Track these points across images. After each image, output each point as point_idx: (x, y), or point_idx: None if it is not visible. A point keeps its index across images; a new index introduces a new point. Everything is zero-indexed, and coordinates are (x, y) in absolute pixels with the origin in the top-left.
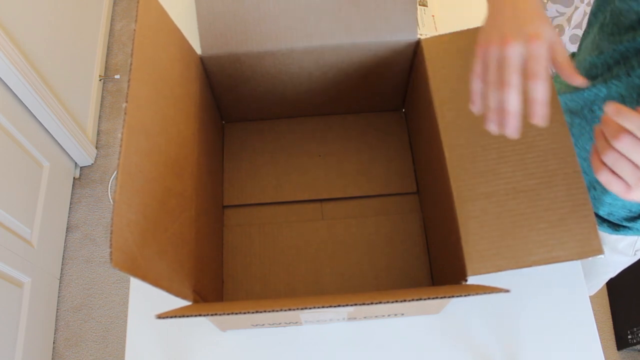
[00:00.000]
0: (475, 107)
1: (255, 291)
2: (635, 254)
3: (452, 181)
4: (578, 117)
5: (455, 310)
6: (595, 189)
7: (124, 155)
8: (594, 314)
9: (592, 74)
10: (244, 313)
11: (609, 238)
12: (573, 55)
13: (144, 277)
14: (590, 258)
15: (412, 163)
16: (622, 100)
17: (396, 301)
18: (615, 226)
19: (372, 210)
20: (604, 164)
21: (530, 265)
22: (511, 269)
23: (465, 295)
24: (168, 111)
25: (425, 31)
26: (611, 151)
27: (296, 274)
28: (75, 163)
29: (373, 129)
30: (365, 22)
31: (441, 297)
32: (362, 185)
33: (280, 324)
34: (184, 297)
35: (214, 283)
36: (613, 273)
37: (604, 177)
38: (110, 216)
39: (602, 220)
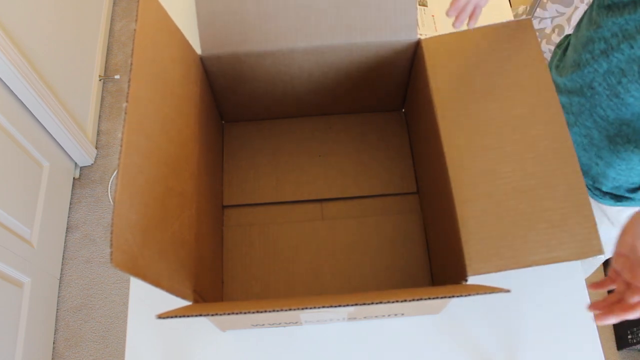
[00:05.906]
0: None
1: (255, 291)
2: None
3: (452, 181)
4: (577, 95)
5: (455, 310)
6: (598, 164)
7: (124, 155)
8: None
9: (589, 49)
10: (244, 313)
11: (610, 210)
12: (568, 36)
13: (144, 277)
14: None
15: (412, 163)
16: (622, 74)
17: (396, 301)
18: (618, 197)
19: (372, 210)
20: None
21: (530, 265)
22: (511, 269)
23: (465, 295)
24: (168, 111)
25: (425, 31)
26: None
27: (296, 274)
28: (75, 163)
29: (373, 129)
30: (365, 22)
31: (441, 297)
32: (362, 185)
33: (280, 324)
34: (184, 297)
35: (214, 283)
36: (610, 253)
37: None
38: (110, 216)
39: (604, 193)
